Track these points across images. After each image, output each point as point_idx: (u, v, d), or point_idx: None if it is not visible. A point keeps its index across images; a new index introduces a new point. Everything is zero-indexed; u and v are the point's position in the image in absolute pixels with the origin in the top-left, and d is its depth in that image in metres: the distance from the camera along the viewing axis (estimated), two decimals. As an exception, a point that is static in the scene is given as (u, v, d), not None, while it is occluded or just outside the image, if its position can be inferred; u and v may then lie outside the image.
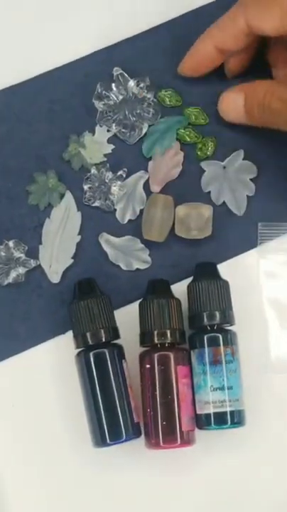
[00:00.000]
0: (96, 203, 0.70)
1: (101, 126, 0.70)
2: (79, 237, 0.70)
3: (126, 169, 0.69)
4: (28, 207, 0.70)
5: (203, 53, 0.68)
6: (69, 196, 0.70)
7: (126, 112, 0.70)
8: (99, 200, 0.70)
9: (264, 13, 0.64)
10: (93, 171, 0.70)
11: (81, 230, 0.70)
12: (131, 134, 0.70)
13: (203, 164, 0.70)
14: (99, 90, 0.70)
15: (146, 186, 0.70)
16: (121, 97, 0.70)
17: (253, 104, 0.67)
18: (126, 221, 0.70)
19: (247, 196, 0.70)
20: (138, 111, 0.70)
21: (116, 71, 0.70)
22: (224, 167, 0.70)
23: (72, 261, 0.69)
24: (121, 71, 0.70)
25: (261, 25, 0.65)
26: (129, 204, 0.70)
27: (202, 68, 0.69)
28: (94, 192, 0.70)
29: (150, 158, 0.70)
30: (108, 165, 0.70)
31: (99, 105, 0.70)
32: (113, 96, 0.70)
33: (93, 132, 0.70)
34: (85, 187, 0.70)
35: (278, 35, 0.65)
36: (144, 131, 0.70)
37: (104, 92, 0.70)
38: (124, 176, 0.69)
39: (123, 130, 0.70)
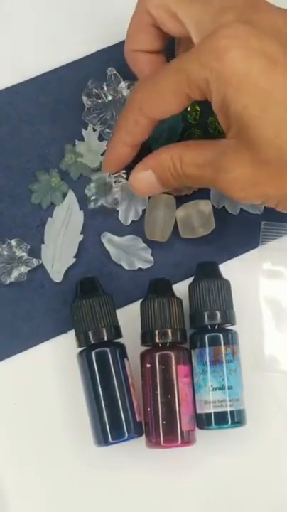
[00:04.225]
0: (99, 202, 0.69)
1: (86, 123, 0.70)
2: (82, 236, 0.70)
3: (125, 170, 0.69)
4: (30, 206, 0.70)
5: (120, 157, 0.66)
6: (71, 195, 0.70)
7: (114, 113, 0.70)
8: (101, 199, 0.69)
9: (159, 105, 0.62)
10: (94, 176, 0.70)
11: (83, 229, 0.70)
12: None
13: None
14: (90, 87, 0.70)
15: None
16: (110, 97, 0.70)
17: (167, 176, 0.64)
18: (129, 223, 0.70)
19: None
20: None
21: (111, 71, 0.70)
22: None
23: (74, 260, 0.69)
24: (115, 72, 0.70)
25: (162, 115, 0.62)
26: (131, 206, 0.70)
27: (126, 163, 0.67)
28: (95, 195, 0.70)
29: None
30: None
31: (87, 102, 0.70)
32: (102, 95, 0.70)
33: (82, 138, 0.71)
34: (87, 191, 0.70)
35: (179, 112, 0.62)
36: None
37: (94, 89, 0.70)
38: (125, 176, 0.69)
39: (108, 130, 0.70)
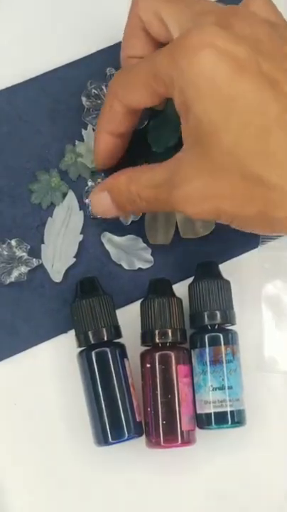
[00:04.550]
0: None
1: (86, 123, 0.70)
2: (82, 236, 0.70)
3: None
4: (30, 206, 0.70)
5: (106, 147, 0.65)
6: (71, 195, 0.70)
7: None
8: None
9: (132, 93, 0.61)
10: (89, 183, 0.69)
11: (83, 229, 0.70)
12: None
13: None
14: (89, 88, 0.70)
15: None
16: None
17: (121, 199, 0.63)
18: (129, 222, 0.70)
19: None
20: None
21: (110, 71, 0.70)
22: None
23: (74, 260, 0.69)
24: (115, 71, 0.70)
25: (136, 104, 0.62)
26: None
27: (115, 157, 0.66)
28: None
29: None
30: (103, 174, 0.69)
31: (86, 102, 0.70)
32: (102, 95, 0.70)
33: (82, 139, 0.71)
34: (87, 201, 0.70)
35: (160, 102, 0.61)
36: None
37: (93, 90, 0.70)
38: None
39: None
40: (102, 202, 0.65)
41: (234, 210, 0.58)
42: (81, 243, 0.70)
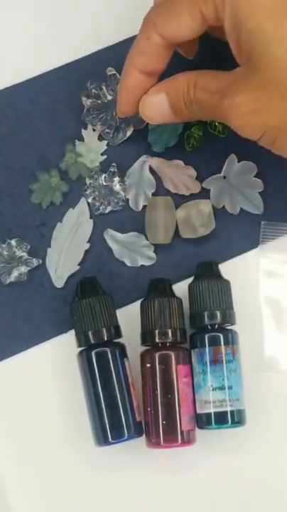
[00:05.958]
0: (109, 208, 0.70)
1: (86, 123, 0.70)
2: (88, 245, 0.70)
3: (115, 164, 0.69)
4: (30, 206, 0.70)
5: (134, 85, 0.64)
6: (83, 202, 0.70)
7: (114, 113, 0.70)
8: (109, 205, 0.70)
9: (173, 21, 0.60)
10: (88, 181, 0.70)
11: (90, 238, 0.70)
12: (115, 135, 0.70)
13: (205, 184, 0.70)
14: (89, 88, 0.70)
15: (152, 169, 0.70)
16: (110, 98, 0.70)
17: (179, 101, 0.62)
18: (140, 208, 0.70)
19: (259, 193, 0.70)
20: None
21: (110, 71, 0.70)
22: (224, 177, 0.70)
23: (78, 268, 0.69)
24: (115, 72, 0.70)
25: (176, 34, 0.60)
26: (140, 190, 0.70)
27: (139, 97, 0.65)
28: (101, 201, 0.69)
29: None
30: (98, 169, 0.70)
31: (86, 102, 0.70)
32: (102, 95, 0.70)
33: (82, 138, 0.71)
34: (90, 200, 0.70)
35: (199, 34, 0.60)
36: (129, 134, 0.70)
37: (93, 90, 0.70)
38: (115, 170, 0.69)
39: (108, 130, 0.70)
40: (158, 105, 0.63)
41: (280, 124, 0.57)
42: (86, 251, 0.70)
